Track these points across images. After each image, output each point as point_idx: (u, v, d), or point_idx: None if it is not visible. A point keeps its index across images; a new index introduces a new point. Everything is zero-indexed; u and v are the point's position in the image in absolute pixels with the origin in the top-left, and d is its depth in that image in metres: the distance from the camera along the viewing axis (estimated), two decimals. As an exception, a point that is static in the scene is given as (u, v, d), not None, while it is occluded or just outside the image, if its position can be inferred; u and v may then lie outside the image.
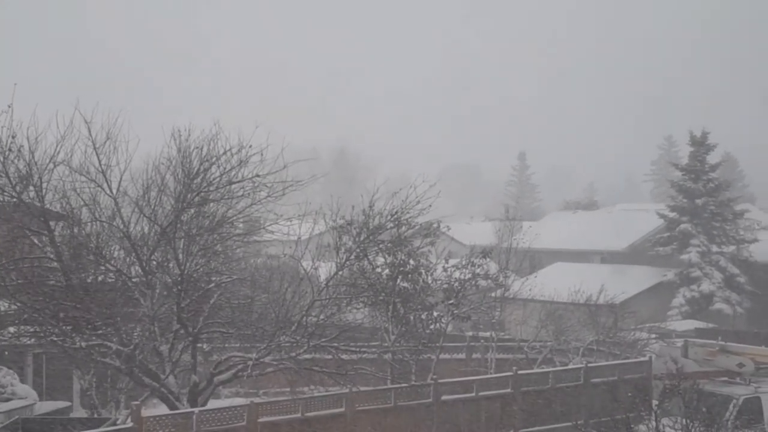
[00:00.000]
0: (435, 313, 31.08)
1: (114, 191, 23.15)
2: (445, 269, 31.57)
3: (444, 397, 26.58)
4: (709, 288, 52.33)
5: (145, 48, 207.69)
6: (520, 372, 28.89)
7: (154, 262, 23.78)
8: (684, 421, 19.92)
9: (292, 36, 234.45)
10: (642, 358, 32.68)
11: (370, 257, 28.04)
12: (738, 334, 41.27)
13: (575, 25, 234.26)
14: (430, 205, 27.25)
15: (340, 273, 26.11)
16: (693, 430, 19.83)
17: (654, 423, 19.98)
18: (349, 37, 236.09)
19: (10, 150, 21.32)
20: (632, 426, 20.61)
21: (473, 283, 31.79)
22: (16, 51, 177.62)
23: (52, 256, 22.63)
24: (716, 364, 28.84)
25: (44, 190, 21.99)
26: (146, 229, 24.19)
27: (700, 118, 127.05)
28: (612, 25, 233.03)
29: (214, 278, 24.49)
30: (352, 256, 26.23)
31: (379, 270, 29.39)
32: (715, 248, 54.61)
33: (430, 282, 30.65)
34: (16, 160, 21.56)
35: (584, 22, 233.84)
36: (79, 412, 30.29)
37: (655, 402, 20.78)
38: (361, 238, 26.32)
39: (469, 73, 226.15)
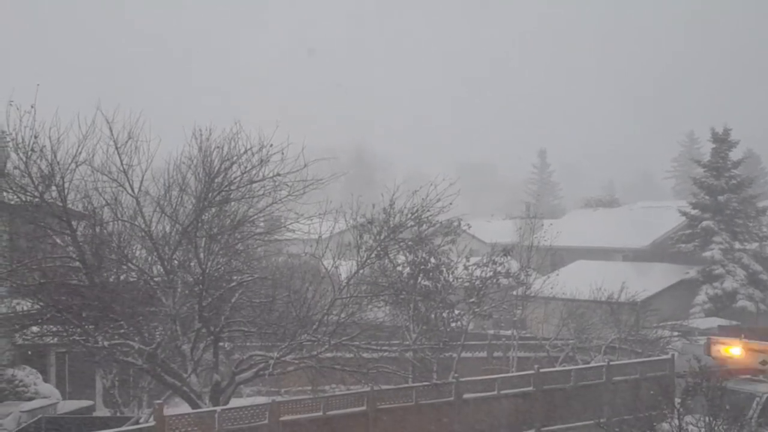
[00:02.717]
0: (456, 312, 31.06)
1: (136, 191, 23.25)
2: (466, 267, 31.52)
3: (466, 396, 26.53)
4: (732, 285, 51.97)
5: (161, 49, 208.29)
6: (541, 370, 28.79)
7: (176, 262, 23.87)
8: (707, 419, 19.79)
9: (305, 37, 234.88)
10: (664, 356, 32.50)
11: (390, 255, 28.03)
12: (761, 332, 40.95)
13: (589, 21, 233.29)
14: (451, 203, 27.24)
15: (361, 271, 26.13)
16: (716, 428, 19.69)
17: (677, 421, 19.86)
18: (361, 36, 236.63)
19: (32, 150, 21.44)
20: (655, 424, 20.50)
21: (494, 281, 31.73)
22: (37, 52, 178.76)
23: (74, 255, 22.75)
24: (739, 362, 28.64)
25: (66, 190, 22.11)
26: (168, 229, 24.28)
27: (722, 113, 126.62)
28: (627, 20, 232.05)
29: (235, 277, 24.55)
30: (373, 255, 26.23)
31: (399, 268, 29.39)
32: (737, 245, 54.24)
33: (451, 280, 30.62)
34: (38, 160, 21.69)
35: (598, 18, 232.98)
36: (102, 411, 30.41)
37: (677, 400, 20.66)
38: (382, 237, 26.32)
39: (483, 72, 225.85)
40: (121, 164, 22.87)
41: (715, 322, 46.59)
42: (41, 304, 22.82)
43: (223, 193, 23.88)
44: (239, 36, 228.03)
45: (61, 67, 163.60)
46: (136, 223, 23.60)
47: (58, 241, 23.05)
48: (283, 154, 23.70)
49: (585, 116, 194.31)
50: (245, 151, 23.69)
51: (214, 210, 24.16)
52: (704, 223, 54.90)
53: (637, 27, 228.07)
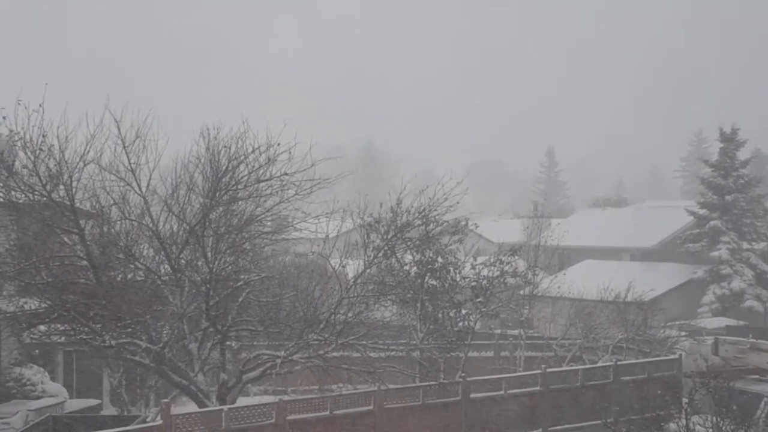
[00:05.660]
0: (463, 311, 31.02)
1: (143, 190, 23.29)
2: (473, 267, 31.49)
3: (473, 395, 26.53)
4: (739, 285, 51.87)
5: (171, 48, 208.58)
6: (549, 370, 28.79)
7: (183, 261, 23.90)
8: (714, 419, 19.76)
9: (313, 36, 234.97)
10: (672, 356, 32.46)
11: (398, 255, 28.02)
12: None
13: (601, 18, 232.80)
14: (458, 202, 27.21)
15: (368, 271, 26.11)
16: (723, 428, 19.66)
17: (684, 421, 19.83)
18: (369, 33, 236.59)
19: (40, 149, 21.48)
20: (662, 424, 20.47)
21: (502, 280, 31.70)
22: (46, 50, 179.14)
23: (81, 254, 22.77)
24: (747, 362, 28.61)
25: (74, 189, 22.12)
26: (175, 228, 24.31)
27: (730, 113, 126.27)
28: (640, 17, 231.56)
29: (242, 276, 24.56)
30: (380, 254, 26.24)
31: (407, 268, 29.36)
32: (745, 245, 54.16)
33: (458, 280, 30.58)
34: (46, 160, 21.71)
35: (610, 15, 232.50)
36: (109, 410, 30.48)
37: (685, 400, 20.63)
38: (389, 236, 26.33)
39: (494, 70, 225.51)
40: (129, 163, 22.91)
41: (722, 322, 46.57)
42: (49, 303, 22.86)
43: (231, 192, 23.89)
44: (245, 34, 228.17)
45: (71, 65, 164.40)
46: (144, 222, 23.64)
47: (66, 240, 23.08)
48: (290, 153, 23.73)
49: (596, 114, 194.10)
50: (253, 151, 23.70)
51: (221, 209, 24.18)
52: (712, 223, 54.81)
53: (650, 24, 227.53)
